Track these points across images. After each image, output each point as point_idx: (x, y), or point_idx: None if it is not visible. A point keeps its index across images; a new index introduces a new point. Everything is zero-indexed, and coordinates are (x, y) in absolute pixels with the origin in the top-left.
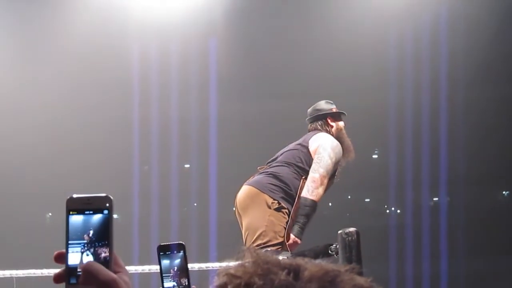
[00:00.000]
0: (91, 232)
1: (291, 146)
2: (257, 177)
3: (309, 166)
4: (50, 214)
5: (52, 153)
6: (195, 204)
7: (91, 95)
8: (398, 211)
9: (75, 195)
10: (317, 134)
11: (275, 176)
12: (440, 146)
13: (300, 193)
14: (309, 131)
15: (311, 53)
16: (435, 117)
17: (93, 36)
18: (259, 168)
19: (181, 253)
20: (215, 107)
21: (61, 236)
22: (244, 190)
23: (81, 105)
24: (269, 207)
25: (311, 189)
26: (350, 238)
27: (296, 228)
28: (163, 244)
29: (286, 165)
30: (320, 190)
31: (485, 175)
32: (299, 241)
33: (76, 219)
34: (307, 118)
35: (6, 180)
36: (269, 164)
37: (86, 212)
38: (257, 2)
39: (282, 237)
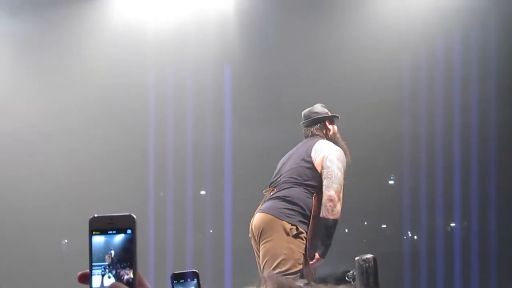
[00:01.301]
0: (114, 252)
1: (292, 162)
2: (269, 203)
3: (317, 181)
4: (66, 240)
5: (67, 180)
6: (211, 231)
7: (107, 123)
8: (415, 237)
9: (97, 215)
10: (316, 144)
11: (288, 200)
12: (454, 170)
13: (315, 210)
14: (306, 136)
15: (325, 80)
16: (449, 142)
17: (109, 63)
18: (266, 192)
19: (195, 281)
20: (230, 134)
21: (78, 262)
22: (260, 217)
23: (97, 132)
24: (288, 234)
25: (330, 208)
26: (367, 264)
27: (322, 248)
28: (177, 272)
29: (295, 185)
30: (339, 206)
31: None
32: (323, 260)
33: (99, 239)
34: (304, 121)
35: (22, 208)
36: (276, 186)
37: (109, 232)
38: (272, 30)
39: (301, 264)
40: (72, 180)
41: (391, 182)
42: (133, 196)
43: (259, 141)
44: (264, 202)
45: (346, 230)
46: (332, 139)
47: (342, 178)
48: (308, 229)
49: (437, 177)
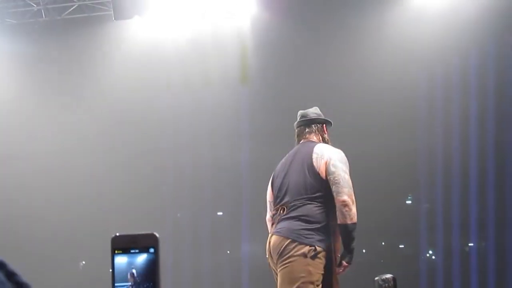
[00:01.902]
0: (137, 272)
1: (296, 175)
2: (285, 223)
3: (325, 189)
4: (83, 262)
5: (84, 202)
6: (228, 252)
7: (125, 144)
8: (434, 257)
9: (119, 233)
10: (315, 151)
11: (303, 219)
12: (470, 189)
13: (333, 222)
14: (299, 137)
15: (342, 99)
16: (465, 161)
17: (126, 83)
18: (275, 212)
19: None
20: (246, 155)
21: (96, 284)
22: (277, 240)
23: (116, 154)
24: (306, 256)
25: (347, 213)
26: (387, 284)
27: (347, 254)
28: None
29: (307, 201)
30: (354, 209)
31: None
32: (349, 266)
33: (122, 259)
34: (302, 120)
35: (40, 231)
36: (286, 204)
37: (132, 251)
38: (288, 51)
39: (319, 285)
40: (91, 202)
41: (408, 202)
42: (150, 217)
43: (276, 160)
44: (278, 222)
45: (364, 251)
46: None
47: (350, 180)
48: (329, 244)
49: (453, 197)
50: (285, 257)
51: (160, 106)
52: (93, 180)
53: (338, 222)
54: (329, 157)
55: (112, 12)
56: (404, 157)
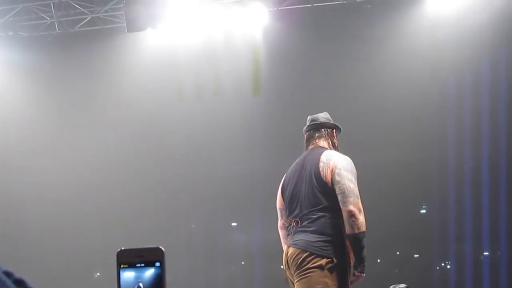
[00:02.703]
0: (143, 286)
1: (306, 185)
2: (301, 236)
3: (335, 197)
4: (98, 274)
5: (98, 214)
6: (243, 263)
7: (138, 155)
8: (448, 266)
9: (125, 248)
10: (322, 159)
11: (319, 231)
12: (483, 197)
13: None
14: (310, 141)
15: (353, 109)
16: (478, 169)
17: (140, 96)
18: (288, 224)
19: None
20: (259, 165)
21: None
22: (295, 252)
23: (127, 165)
24: (323, 269)
25: (353, 223)
26: None
27: (359, 264)
28: None
29: (320, 213)
30: (361, 218)
31: None
32: (363, 276)
33: (128, 273)
34: (311, 124)
35: (53, 241)
36: (299, 217)
37: (137, 265)
38: (300, 62)
39: None
40: (105, 213)
41: (423, 211)
42: (165, 228)
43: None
44: (294, 234)
45: (379, 260)
46: (336, 150)
47: (356, 189)
48: (345, 255)
49: (466, 206)
50: (302, 269)
51: (173, 117)
52: (107, 191)
53: (347, 232)
54: (335, 165)
55: (125, 24)
56: (419, 166)
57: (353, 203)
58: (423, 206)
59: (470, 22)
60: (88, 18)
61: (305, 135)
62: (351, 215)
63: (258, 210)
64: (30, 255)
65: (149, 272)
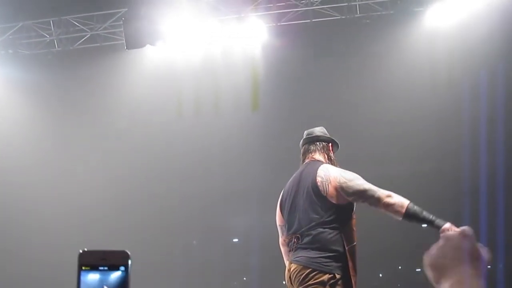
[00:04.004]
0: None
1: (304, 201)
2: (302, 252)
3: (337, 212)
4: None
5: (97, 227)
6: (245, 279)
7: (137, 170)
8: None
9: (87, 249)
10: (318, 174)
11: (319, 247)
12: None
13: (347, 245)
14: (305, 155)
15: (353, 126)
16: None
17: (138, 113)
18: (289, 240)
19: None
20: (259, 179)
21: None
22: (297, 268)
23: (128, 181)
24: (325, 285)
25: (395, 209)
26: None
27: (434, 227)
28: None
29: (320, 228)
30: (394, 199)
31: None
32: (448, 228)
33: (91, 276)
34: (307, 137)
35: (57, 256)
36: (299, 233)
37: (101, 268)
38: (299, 78)
39: None
40: (104, 227)
41: (424, 225)
42: (163, 242)
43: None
44: (295, 250)
45: (381, 275)
46: (332, 163)
47: (366, 182)
48: (347, 270)
49: (465, 218)
50: (305, 285)
51: (172, 133)
52: (108, 207)
53: (400, 218)
54: (337, 181)
55: (124, 41)
56: (419, 179)
57: (377, 196)
58: None
59: (469, 35)
60: (88, 36)
61: (301, 149)
62: (386, 205)
63: (257, 226)
64: (32, 271)
65: (114, 276)
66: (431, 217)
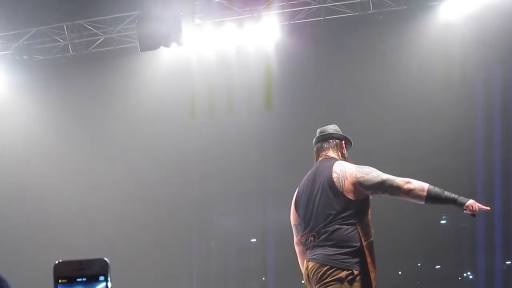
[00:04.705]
0: None
1: (320, 198)
2: (320, 250)
3: (353, 208)
4: None
5: (110, 235)
6: (263, 279)
7: (150, 174)
8: (471, 276)
9: (63, 260)
10: (333, 170)
11: (337, 244)
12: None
13: (365, 240)
14: (319, 153)
15: (367, 123)
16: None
17: (153, 114)
18: (305, 239)
19: None
20: (274, 178)
21: None
22: (315, 266)
23: (140, 183)
24: (343, 281)
25: (415, 195)
26: None
27: (457, 206)
28: None
29: (337, 225)
30: (414, 184)
31: None
32: (471, 204)
33: None
34: (320, 135)
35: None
36: (316, 230)
37: (78, 280)
38: (312, 77)
39: None
40: (110, 232)
41: (443, 221)
42: (183, 245)
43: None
44: (312, 248)
45: (400, 273)
46: (346, 161)
47: (383, 174)
48: (365, 265)
49: (480, 216)
50: (323, 282)
51: (186, 133)
52: (119, 212)
53: (423, 203)
54: (353, 176)
55: (138, 43)
56: (438, 175)
57: (396, 184)
58: (443, 217)
59: (483, 28)
60: (101, 39)
61: (314, 147)
62: (407, 192)
63: (272, 227)
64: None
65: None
66: (453, 196)
